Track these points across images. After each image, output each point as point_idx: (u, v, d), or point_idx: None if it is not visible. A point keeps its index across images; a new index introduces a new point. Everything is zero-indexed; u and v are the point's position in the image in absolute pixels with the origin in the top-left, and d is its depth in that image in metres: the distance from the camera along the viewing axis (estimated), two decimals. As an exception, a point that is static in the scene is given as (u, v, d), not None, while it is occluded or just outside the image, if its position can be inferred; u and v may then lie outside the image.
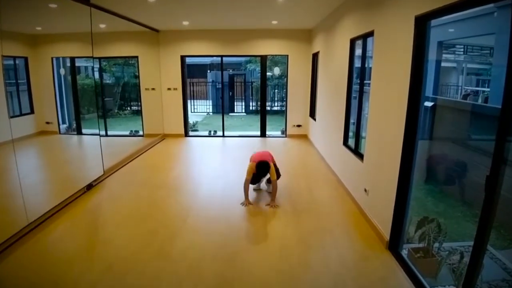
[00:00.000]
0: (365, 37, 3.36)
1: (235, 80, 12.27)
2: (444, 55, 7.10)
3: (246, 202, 3.46)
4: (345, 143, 3.98)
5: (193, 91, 12.07)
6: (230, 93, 12.02)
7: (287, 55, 6.76)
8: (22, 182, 2.81)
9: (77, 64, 4.95)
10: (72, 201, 3.53)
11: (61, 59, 4.20)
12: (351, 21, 3.74)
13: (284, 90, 7.78)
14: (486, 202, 1.57)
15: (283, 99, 9.82)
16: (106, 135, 6.25)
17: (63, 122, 4.26)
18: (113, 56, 7.36)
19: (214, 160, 5.44)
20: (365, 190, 3.11)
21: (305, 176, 4.43)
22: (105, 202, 3.61)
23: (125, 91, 8.67)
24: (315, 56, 6.20)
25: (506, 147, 1.49)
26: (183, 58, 6.82)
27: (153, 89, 6.72)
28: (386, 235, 2.61)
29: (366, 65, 3.49)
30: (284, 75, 9.04)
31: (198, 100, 12.21)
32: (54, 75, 3.97)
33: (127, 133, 7.05)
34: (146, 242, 2.72)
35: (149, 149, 6.03)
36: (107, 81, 8.29)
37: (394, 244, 2.53)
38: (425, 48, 2.16)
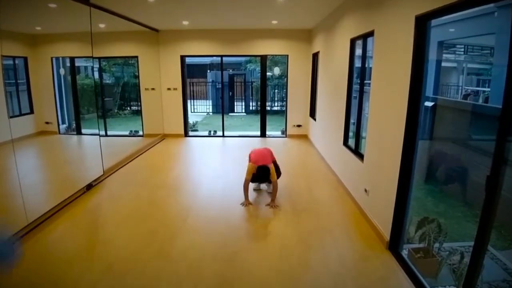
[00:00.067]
0: (365, 37, 3.36)
1: (235, 80, 12.27)
2: (444, 55, 7.10)
3: (246, 202, 3.45)
4: (345, 143, 3.98)
5: (193, 91, 12.06)
6: (230, 93, 12.02)
7: (287, 55, 6.75)
8: (21, 182, 2.81)
9: (76, 64, 4.95)
10: (71, 201, 3.52)
11: (60, 59, 4.20)
12: (351, 21, 3.74)
13: (284, 90, 7.78)
14: (486, 202, 1.57)
15: (283, 99, 9.82)
16: (106, 135, 6.25)
17: (63, 122, 4.26)
18: (113, 56, 7.36)
19: (214, 160, 5.44)
20: (365, 190, 3.11)
21: (305, 176, 4.43)
22: (105, 202, 3.61)
23: (125, 91, 8.67)
24: (315, 56, 6.20)
25: (506, 147, 1.49)
26: (183, 58, 6.82)
27: (153, 89, 6.72)
28: (386, 235, 2.61)
29: (366, 65, 3.49)
30: (284, 75, 9.03)
31: (198, 100, 12.21)
32: (53, 75, 3.96)
33: (127, 133, 7.05)
34: (146, 242, 2.72)
35: (149, 149, 6.02)
36: (107, 81, 8.29)
37: (394, 244, 2.52)
38: (425, 48, 2.16)
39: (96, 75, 5.89)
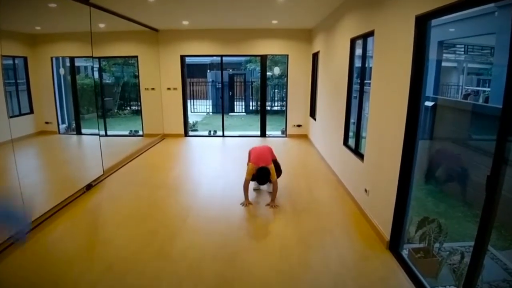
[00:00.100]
0: (365, 36, 3.36)
1: (235, 80, 12.26)
2: (444, 55, 7.10)
3: (246, 202, 3.45)
4: (346, 143, 3.98)
5: (193, 91, 12.06)
6: (230, 93, 12.01)
7: (287, 55, 6.75)
8: (21, 182, 2.81)
9: (76, 64, 4.95)
10: (71, 201, 3.52)
11: (60, 58, 4.20)
12: (351, 20, 3.73)
13: (284, 90, 7.77)
14: (486, 202, 1.57)
15: (283, 99, 9.82)
16: (106, 135, 6.24)
17: (63, 122, 4.25)
18: (113, 56, 7.36)
19: (214, 160, 5.43)
20: (366, 190, 3.10)
21: (305, 176, 4.43)
22: (105, 202, 3.60)
23: (124, 91, 8.66)
24: (315, 56, 6.19)
25: (507, 147, 1.49)
26: (182, 57, 6.81)
27: (152, 89, 6.72)
28: (387, 235, 2.61)
29: (366, 65, 3.48)
30: (284, 75, 9.03)
31: (198, 100, 12.20)
32: (53, 75, 3.96)
33: (127, 133, 7.05)
34: (146, 242, 2.72)
35: (148, 149, 6.02)
36: (107, 81, 8.29)
37: (395, 244, 2.52)
38: (425, 47, 2.16)
39: (96, 75, 5.89)
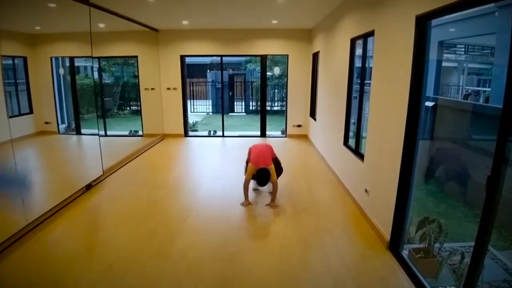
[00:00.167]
0: (365, 36, 3.35)
1: (235, 80, 12.26)
2: (445, 55, 7.10)
3: (246, 203, 3.45)
4: (346, 143, 3.98)
5: (192, 91, 12.06)
6: (230, 93, 12.01)
7: (287, 55, 6.75)
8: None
9: (76, 64, 4.94)
10: (71, 201, 3.52)
11: (60, 58, 4.19)
12: (351, 20, 3.73)
13: (284, 90, 7.77)
14: (487, 202, 1.57)
15: (283, 99, 9.82)
16: (106, 135, 6.23)
17: (62, 122, 4.25)
18: (113, 56, 7.35)
19: (214, 160, 5.43)
20: (366, 190, 3.10)
21: (305, 176, 4.42)
22: (105, 202, 3.60)
23: (124, 91, 8.65)
24: (315, 56, 6.19)
25: (507, 147, 1.49)
26: (182, 57, 6.81)
27: (152, 89, 6.71)
28: (387, 235, 2.61)
29: (366, 65, 3.48)
30: (284, 75, 9.03)
31: (197, 100, 12.20)
32: (53, 75, 3.95)
33: (127, 133, 7.04)
34: (146, 242, 2.72)
35: (148, 149, 6.02)
36: (107, 81, 8.28)
37: (395, 245, 2.52)
38: (425, 47, 2.15)
39: (96, 75, 5.88)
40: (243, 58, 12.88)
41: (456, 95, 7.64)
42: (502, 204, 1.56)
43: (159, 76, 6.82)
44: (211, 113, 11.84)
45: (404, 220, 2.45)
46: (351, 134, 3.96)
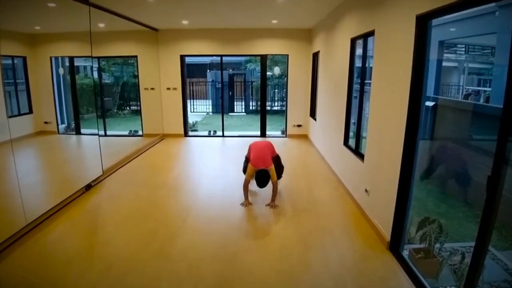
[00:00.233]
0: (365, 36, 3.35)
1: (235, 80, 12.25)
2: (445, 55, 7.09)
3: (246, 203, 3.44)
4: (346, 143, 3.97)
5: (192, 90, 12.05)
6: (230, 92, 12.00)
7: (287, 55, 6.74)
8: (20, 182, 2.80)
9: (76, 64, 4.92)
10: (71, 202, 3.52)
11: (60, 58, 4.18)
12: (351, 20, 3.73)
13: (284, 90, 7.76)
14: (487, 203, 1.57)
15: (283, 99, 9.81)
16: (105, 135, 6.22)
17: (62, 122, 4.24)
18: (112, 56, 7.33)
19: (214, 160, 5.43)
20: (366, 190, 3.10)
21: (305, 176, 4.42)
22: (105, 202, 3.60)
23: (124, 91, 8.64)
24: (315, 56, 6.19)
25: (507, 147, 1.48)
26: (182, 57, 6.81)
27: (152, 88, 6.70)
28: (387, 235, 2.60)
29: (366, 65, 3.48)
30: (284, 75, 9.02)
31: (197, 100, 12.19)
32: (53, 75, 3.95)
33: (126, 133, 7.03)
34: (146, 242, 2.71)
35: (148, 149, 6.01)
36: (106, 81, 8.26)
37: (395, 245, 2.52)
38: (426, 47, 2.15)
39: (96, 74, 5.87)
40: (243, 58, 12.87)
41: (456, 95, 7.64)
42: (503, 204, 1.55)
43: (159, 76, 6.81)
44: (211, 113, 11.83)
45: (405, 220, 2.45)
46: (351, 134, 3.95)
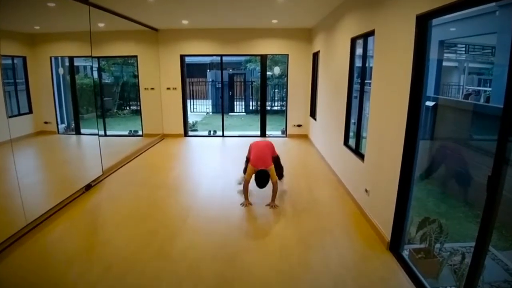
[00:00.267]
0: (365, 36, 3.35)
1: (235, 80, 12.25)
2: (445, 55, 7.08)
3: (246, 203, 3.44)
4: (346, 143, 3.97)
5: (192, 90, 12.04)
6: (230, 92, 12.00)
7: (287, 55, 6.74)
8: (20, 182, 2.80)
9: (76, 64, 4.92)
10: (70, 202, 3.51)
11: (59, 58, 4.18)
12: (351, 20, 3.72)
13: (284, 90, 7.76)
14: (487, 203, 1.56)
15: (283, 99, 9.81)
16: (105, 135, 6.21)
17: (62, 122, 4.24)
18: (112, 56, 7.33)
19: (214, 160, 5.42)
20: (366, 190, 3.09)
21: (305, 176, 4.42)
22: (104, 202, 3.59)
23: (124, 91, 8.63)
24: (315, 56, 6.18)
25: (508, 147, 1.48)
26: (182, 57, 6.80)
27: (152, 88, 6.70)
28: (387, 235, 2.60)
29: (367, 65, 3.47)
30: (284, 75, 9.02)
31: (197, 100, 12.19)
32: (52, 75, 3.94)
33: (126, 133, 7.02)
34: (146, 242, 2.71)
35: (148, 149, 6.01)
36: (106, 81, 8.25)
37: (395, 245, 2.51)
38: (426, 47, 2.15)
39: (95, 74, 5.86)
40: (243, 58, 12.87)
41: (456, 94, 7.64)
42: (503, 204, 1.55)
43: (159, 75, 6.81)
44: (211, 113, 11.83)
45: (405, 220, 2.44)
46: (351, 134, 3.95)
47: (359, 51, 3.62)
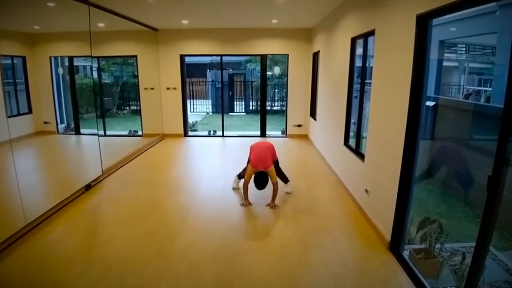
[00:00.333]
0: (366, 36, 3.34)
1: (235, 80, 12.25)
2: (445, 54, 7.07)
3: (246, 203, 3.43)
4: (346, 143, 3.97)
5: (192, 90, 12.04)
6: (230, 92, 11.99)
7: (287, 54, 6.74)
8: (20, 182, 2.79)
9: (75, 64, 4.91)
10: (70, 202, 3.51)
11: (59, 58, 4.17)
12: (351, 20, 3.72)
13: (284, 90, 7.76)
14: (488, 203, 1.56)
15: (283, 99, 9.80)
16: (105, 135, 6.21)
17: (61, 122, 4.23)
18: (112, 56, 7.32)
19: (214, 160, 5.42)
20: (366, 191, 3.09)
21: (305, 176, 4.41)
22: (104, 202, 3.59)
23: (124, 91, 8.63)
24: (315, 56, 6.18)
25: (508, 147, 1.47)
26: (182, 57, 6.80)
27: (152, 88, 6.70)
28: (387, 235, 2.60)
29: (367, 65, 3.47)
30: (284, 75, 9.02)
31: (197, 100, 12.19)
32: (52, 75, 3.94)
33: (126, 133, 7.02)
34: (146, 242, 2.71)
35: (148, 149, 6.01)
36: (106, 81, 8.25)
37: (395, 245, 2.51)
38: (426, 47, 2.14)
39: (95, 74, 5.86)
40: (243, 58, 12.86)
41: (457, 94, 7.63)
42: (503, 204, 1.55)
43: (158, 75, 6.80)
44: (211, 113, 11.83)
45: (405, 221, 2.44)
46: (351, 134, 3.94)
47: (359, 51, 3.61)
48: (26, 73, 3.49)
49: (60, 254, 2.53)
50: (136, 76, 6.66)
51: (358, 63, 3.70)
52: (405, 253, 2.46)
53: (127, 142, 6.52)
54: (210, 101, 12.37)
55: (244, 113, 11.95)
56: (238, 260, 2.45)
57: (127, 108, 8.70)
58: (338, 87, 4.20)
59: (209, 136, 7.31)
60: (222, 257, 2.49)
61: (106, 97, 7.73)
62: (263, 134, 7.19)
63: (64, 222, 3.06)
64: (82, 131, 4.74)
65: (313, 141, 6.33)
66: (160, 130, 6.99)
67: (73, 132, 4.65)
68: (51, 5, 3.66)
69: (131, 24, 5.38)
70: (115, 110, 8.36)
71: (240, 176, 3.89)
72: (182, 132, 7.08)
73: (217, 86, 11.96)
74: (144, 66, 6.54)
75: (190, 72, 10.52)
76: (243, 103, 12.17)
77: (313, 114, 6.43)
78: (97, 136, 4.32)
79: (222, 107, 8.05)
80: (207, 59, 13.77)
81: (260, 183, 3.26)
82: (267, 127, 7.25)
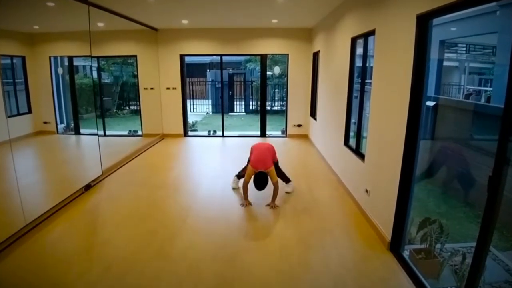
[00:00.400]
0: (366, 36, 3.34)
1: (234, 80, 12.24)
2: (446, 54, 7.07)
3: (246, 203, 3.43)
4: (346, 143, 3.96)
5: (192, 90, 12.04)
6: (230, 92, 11.99)
7: (287, 54, 6.73)
8: (19, 183, 2.79)
9: (75, 63, 4.91)
10: (70, 202, 3.51)
11: (59, 58, 4.17)
12: (352, 20, 3.72)
13: (284, 90, 7.75)
14: (488, 203, 1.56)
15: (283, 99, 9.80)
16: (105, 135, 6.20)
17: (61, 122, 4.23)
18: (112, 55, 7.32)
19: (214, 160, 5.42)
20: (366, 191, 3.09)
21: (305, 176, 4.41)
22: (104, 202, 3.59)
23: (123, 91, 8.63)
24: (315, 55, 6.18)
25: (509, 147, 1.47)
26: (182, 57, 6.79)
27: (152, 88, 6.69)
28: (388, 235, 2.59)
29: (367, 64, 3.47)
30: (284, 74, 9.02)
31: (197, 100, 12.18)
32: (52, 75, 3.93)
33: (126, 133, 7.01)
34: (146, 242, 2.70)
35: (148, 149, 6.00)
36: (106, 81, 8.24)
37: (396, 245, 2.51)
38: (427, 47, 2.14)
39: (95, 74, 5.85)
40: (243, 58, 12.86)
41: (457, 94, 7.63)
42: (504, 204, 1.54)
43: (158, 75, 6.80)
44: (210, 113, 11.82)
45: (405, 221, 2.44)
46: (351, 134, 3.94)
47: (359, 50, 3.61)
48: (25, 73, 3.49)
49: (60, 254, 2.53)
50: (136, 76, 6.66)
51: (358, 63, 3.69)
52: (406, 253, 2.46)
53: (127, 142, 6.51)
54: (210, 101, 12.37)
55: (244, 113, 11.95)
56: (238, 260, 2.44)
57: (127, 108, 8.70)
58: (338, 87, 4.20)
59: (209, 136, 7.31)
60: (222, 257, 2.49)
61: (106, 97, 7.72)
62: (263, 134, 7.19)
63: (64, 222, 3.05)
64: (81, 131, 4.74)
65: (313, 141, 6.33)
66: (160, 130, 6.99)
67: (73, 132, 4.64)
68: (50, 4, 3.65)
69: (131, 24, 5.38)
70: (115, 110, 8.36)
71: (239, 176, 3.89)
72: (182, 132, 7.08)
73: (217, 86, 11.95)
74: (144, 66, 6.53)
75: (190, 72, 10.52)
76: (243, 103, 12.17)
77: (313, 114, 6.43)
78: (96, 136, 4.31)
79: (222, 107, 8.05)
80: (207, 59, 13.76)
81: (260, 184, 3.25)
82: (267, 127, 7.25)
